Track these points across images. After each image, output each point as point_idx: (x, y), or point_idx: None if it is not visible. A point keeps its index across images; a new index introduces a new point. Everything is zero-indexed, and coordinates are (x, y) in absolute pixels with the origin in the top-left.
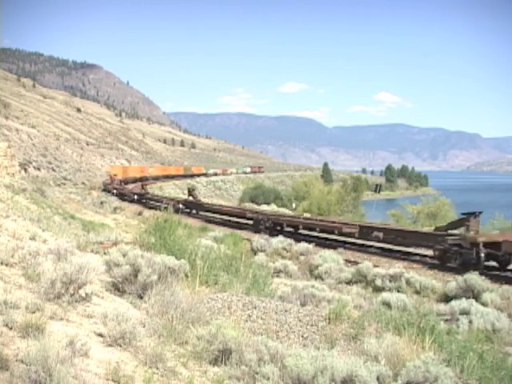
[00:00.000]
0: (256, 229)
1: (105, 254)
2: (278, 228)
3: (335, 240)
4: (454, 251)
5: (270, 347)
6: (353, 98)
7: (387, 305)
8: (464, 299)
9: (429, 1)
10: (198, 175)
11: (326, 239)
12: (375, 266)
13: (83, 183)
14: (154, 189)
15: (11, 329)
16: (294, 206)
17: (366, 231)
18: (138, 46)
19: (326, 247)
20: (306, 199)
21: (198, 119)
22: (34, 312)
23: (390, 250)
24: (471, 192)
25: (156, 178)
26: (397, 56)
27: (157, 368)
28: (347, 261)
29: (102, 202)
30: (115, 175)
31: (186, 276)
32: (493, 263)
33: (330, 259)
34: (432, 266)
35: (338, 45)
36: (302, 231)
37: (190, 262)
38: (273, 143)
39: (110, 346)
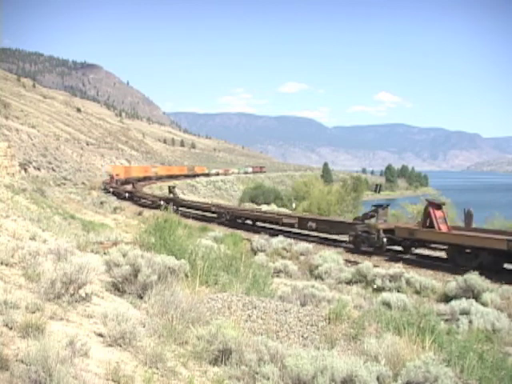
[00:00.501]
0: (219, 221)
1: (105, 253)
2: (239, 220)
3: (289, 231)
4: (364, 237)
5: (270, 347)
6: (353, 98)
7: (387, 305)
8: (464, 299)
9: (429, 1)
10: (201, 175)
11: (281, 230)
12: (375, 266)
13: (83, 183)
14: (153, 188)
15: (11, 329)
16: (293, 206)
17: (303, 222)
18: (138, 46)
19: (275, 235)
20: (306, 199)
21: (198, 119)
22: (33, 312)
23: (326, 239)
24: (471, 192)
25: (160, 178)
26: (397, 56)
27: (157, 368)
28: (347, 261)
29: (101, 202)
30: (117, 175)
31: (186, 276)
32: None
33: (330, 259)
34: (349, 250)
35: (338, 45)
36: (258, 223)
37: (190, 261)
38: (273, 143)
39: (110, 346)
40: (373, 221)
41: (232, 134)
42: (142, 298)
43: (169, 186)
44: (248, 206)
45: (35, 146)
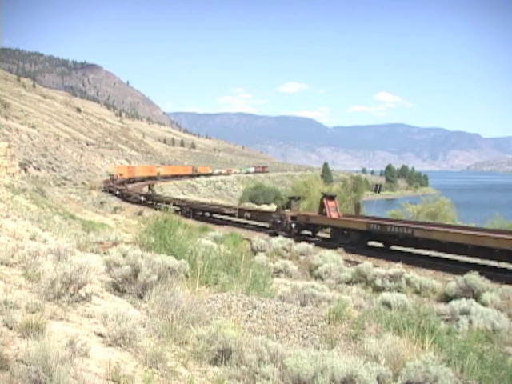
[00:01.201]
0: (181, 213)
1: (105, 253)
2: (199, 213)
3: (230, 220)
4: (278, 223)
5: (270, 347)
6: (353, 98)
7: (387, 305)
8: (464, 299)
9: (429, 1)
10: (205, 175)
11: (238, 223)
12: (375, 266)
13: (83, 183)
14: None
15: (11, 329)
16: None
17: (241, 212)
18: (138, 46)
19: (221, 224)
20: (306, 199)
21: (198, 119)
22: (34, 312)
23: (258, 226)
24: (471, 192)
25: (165, 178)
26: (397, 56)
27: (157, 368)
28: (347, 261)
29: (101, 202)
30: (121, 175)
31: (186, 276)
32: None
33: (330, 259)
34: (268, 233)
35: (338, 45)
36: (210, 214)
37: (190, 261)
38: (273, 143)
39: (110, 346)
40: (287, 211)
41: (232, 134)
42: (141, 298)
43: (149, 184)
44: (248, 205)
45: (35, 145)
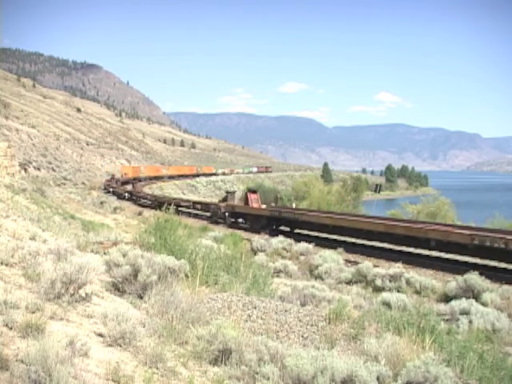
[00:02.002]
0: (151, 206)
1: (105, 253)
2: (170, 206)
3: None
4: (216, 212)
5: (270, 347)
6: (353, 98)
7: (387, 305)
8: (464, 299)
9: (429, 1)
10: (209, 174)
11: (190, 213)
12: (375, 266)
13: (83, 183)
14: (153, 188)
15: (11, 329)
16: (293, 205)
17: (194, 205)
18: (138, 46)
19: (184, 214)
20: (306, 199)
21: (198, 119)
22: (34, 312)
23: (200, 215)
24: (471, 192)
25: (172, 177)
26: (397, 56)
27: (157, 368)
28: (347, 261)
29: (101, 202)
30: (126, 174)
31: (186, 276)
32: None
33: (330, 259)
34: (208, 220)
35: (338, 45)
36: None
37: (190, 262)
38: (273, 143)
39: (110, 346)
40: (223, 203)
41: (232, 133)
42: (142, 298)
43: (132, 183)
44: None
45: (35, 145)
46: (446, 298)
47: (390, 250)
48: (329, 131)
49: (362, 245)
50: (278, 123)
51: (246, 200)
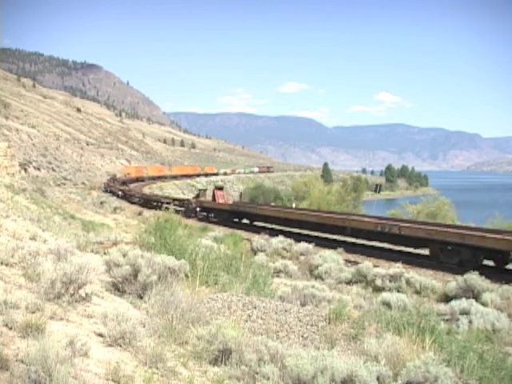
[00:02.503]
0: (140, 203)
1: (105, 253)
2: (154, 203)
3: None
4: (189, 207)
5: (270, 347)
6: (353, 98)
7: (387, 305)
8: (464, 299)
9: (429, 1)
10: (212, 174)
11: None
12: (375, 266)
13: (83, 183)
14: (153, 188)
15: (11, 329)
16: (293, 205)
17: (173, 201)
18: (138, 45)
19: (153, 208)
20: (306, 199)
21: (198, 119)
22: (33, 312)
23: (178, 210)
24: (471, 192)
25: (175, 177)
26: (397, 56)
27: (157, 368)
28: (347, 261)
29: (101, 202)
30: (129, 174)
31: (186, 276)
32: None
33: (330, 259)
34: (183, 215)
35: (338, 45)
36: (156, 203)
37: (190, 262)
38: (273, 143)
39: (110, 346)
40: (194, 200)
41: (232, 133)
42: (142, 298)
43: (124, 182)
44: None
45: (35, 145)
46: (446, 298)
47: (390, 249)
48: (329, 131)
49: (362, 245)
50: (278, 123)
51: (213, 196)
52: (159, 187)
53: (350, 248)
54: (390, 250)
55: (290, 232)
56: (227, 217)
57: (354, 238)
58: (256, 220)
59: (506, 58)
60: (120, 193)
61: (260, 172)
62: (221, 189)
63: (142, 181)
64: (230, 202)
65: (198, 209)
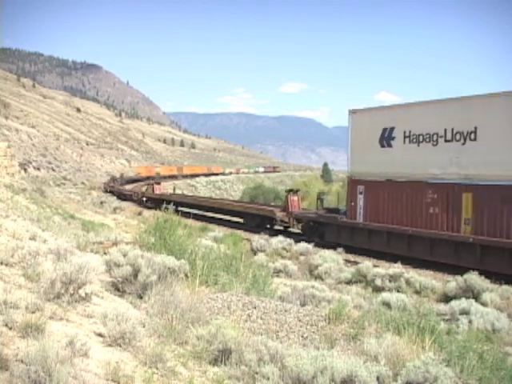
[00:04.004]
0: (118, 197)
1: (105, 253)
2: (124, 195)
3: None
4: (139, 198)
5: (270, 347)
6: (353, 98)
7: (387, 305)
8: (464, 299)
9: (429, 1)
10: (218, 174)
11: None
12: (375, 266)
13: (83, 183)
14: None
15: (11, 329)
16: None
17: (128, 193)
18: (138, 45)
19: (126, 200)
20: (306, 199)
21: (198, 119)
22: (33, 312)
23: (135, 200)
24: None
25: (185, 176)
26: (397, 56)
27: (157, 368)
28: (347, 261)
29: (101, 202)
30: (139, 173)
31: (186, 276)
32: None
33: (330, 259)
34: (137, 204)
35: (339, 45)
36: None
37: (189, 262)
38: (273, 143)
39: (110, 346)
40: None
41: (232, 133)
42: (141, 298)
43: (114, 180)
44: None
45: (35, 146)
46: (446, 298)
47: (391, 252)
48: (329, 131)
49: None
50: (277, 123)
51: (152, 189)
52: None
53: (350, 248)
54: (391, 252)
55: (203, 215)
56: (158, 203)
57: (224, 215)
58: (179, 206)
59: (506, 58)
60: (109, 189)
61: (266, 172)
62: (159, 183)
63: (147, 178)
64: (162, 193)
65: (144, 198)
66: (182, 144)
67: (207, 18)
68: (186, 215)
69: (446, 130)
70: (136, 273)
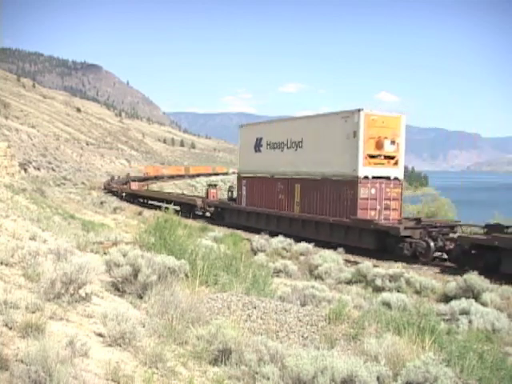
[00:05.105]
0: (111, 193)
1: (105, 253)
2: (113, 191)
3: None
4: (118, 192)
5: (270, 347)
6: (353, 98)
7: (387, 305)
8: (464, 299)
9: (429, 1)
10: (221, 174)
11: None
12: (375, 266)
13: (83, 183)
14: (153, 188)
15: (11, 329)
16: None
17: (115, 189)
18: (138, 45)
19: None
20: None
21: (198, 119)
22: (33, 312)
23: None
24: (471, 192)
25: (192, 176)
26: (397, 56)
27: (157, 368)
28: (347, 261)
29: (101, 202)
30: (148, 173)
31: (186, 276)
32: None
33: (330, 259)
34: (117, 197)
35: (338, 45)
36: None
37: (189, 262)
38: None
39: (110, 346)
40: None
41: (232, 134)
42: (141, 298)
43: (110, 179)
44: None
45: (35, 146)
46: (446, 298)
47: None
48: None
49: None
50: None
51: (129, 186)
52: (159, 187)
53: (350, 248)
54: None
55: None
56: (134, 197)
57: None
58: (147, 199)
59: (506, 58)
60: (103, 186)
61: None
62: (134, 180)
63: (162, 178)
64: (143, 189)
65: (123, 194)
66: (182, 144)
67: (207, 17)
68: (153, 206)
69: (287, 140)
70: (136, 273)
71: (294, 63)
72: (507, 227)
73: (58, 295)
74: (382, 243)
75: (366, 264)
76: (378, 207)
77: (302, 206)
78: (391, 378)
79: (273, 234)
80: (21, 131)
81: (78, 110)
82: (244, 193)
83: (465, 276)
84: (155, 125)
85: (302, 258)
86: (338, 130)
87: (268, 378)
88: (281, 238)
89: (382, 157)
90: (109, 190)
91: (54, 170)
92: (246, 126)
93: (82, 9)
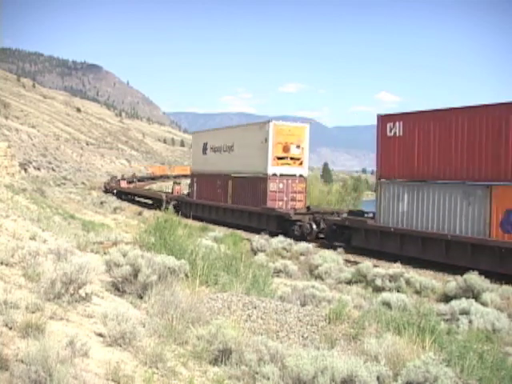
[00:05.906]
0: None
1: (105, 253)
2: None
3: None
4: (108, 189)
5: (270, 347)
6: (353, 98)
7: (387, 305)
8: (464, 299)
9: (429, 1)
10: None
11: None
12: (375, 266)
13: (83, 183)
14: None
15: (11, 329)
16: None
17: (108, 186)
18: (138, 45)
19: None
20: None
21: (198, 119)
22: (33, 312)
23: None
24: None
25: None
26: (397, 56)
27: (157, 368)
28: (347, 261)
29: (101, 202)
30: (153, 172)
31: (186, 276)
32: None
33: (330, 259)
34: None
35: (338, 45)
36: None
37: (190, 262)
38: None
39: (110, 345)
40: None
41: None
42: (141, 298)
43: (110, 178)
44: None
45: (35, 146)
46: (446, 298)
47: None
48: (329, 131)
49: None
50: None
51: (118, 183)
52: (159, 187)
53: (350, 248)
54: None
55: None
56: (120, 194)
57: (150, 199)
58: (133, 196)
59: (506, 58)
60: (105, 186)
61: None
62: (124, 179)
63: (167, 177)
64: (129, 186)
65: (114, 191)
66: (182, 144)
67: (207, 17)
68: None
69: (224, 145)
70: (136, 273)
71: (294, 63)
72: (366, 213)
73: (58, 295)
74: (282, 227)
75: (366, 264)
76: (285, 198)
77: (233, 199)
78: (391, 377)
79: (216, 223)
80: (21, 131)
81: (78, 110)
82: (195, 188)
83: (465, 276)
84: (155, 125)
85: (302, 257)
86: (256, 138)
87: (268, 378)
88: (281, 237)
89: (289, 158)
90: (108, 190)
91: (54, 169)
92: (196, 132)
93: (82, 9)
